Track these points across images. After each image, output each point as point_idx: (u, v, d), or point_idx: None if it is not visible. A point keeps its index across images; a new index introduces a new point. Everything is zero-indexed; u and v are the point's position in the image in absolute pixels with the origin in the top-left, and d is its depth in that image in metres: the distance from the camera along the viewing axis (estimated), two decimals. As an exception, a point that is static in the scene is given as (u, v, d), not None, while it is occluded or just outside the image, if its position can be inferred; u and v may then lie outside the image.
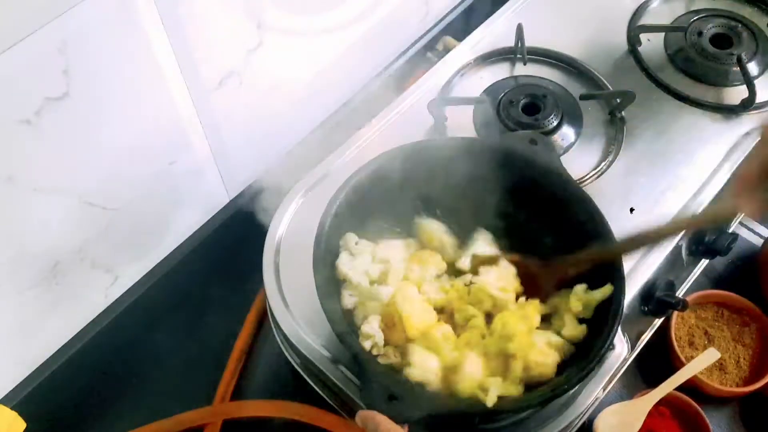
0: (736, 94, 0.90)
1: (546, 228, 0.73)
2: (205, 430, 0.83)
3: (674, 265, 0.82)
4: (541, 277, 0.69)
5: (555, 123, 0.86)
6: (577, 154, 0.86)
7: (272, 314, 0.75)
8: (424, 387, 0.62)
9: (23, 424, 0.71)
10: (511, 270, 0.70)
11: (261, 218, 0.81)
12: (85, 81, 0.64)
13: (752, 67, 0.91)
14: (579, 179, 0.82)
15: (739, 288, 0.94)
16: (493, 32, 0.98)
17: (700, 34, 0.95)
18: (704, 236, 0.84)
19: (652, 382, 0.86)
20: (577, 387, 0.69)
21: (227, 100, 0.81)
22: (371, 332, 0.64)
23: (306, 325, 0.73)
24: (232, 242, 0.89)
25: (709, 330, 0.93)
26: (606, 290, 0.65)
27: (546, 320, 0.68)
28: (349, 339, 0.61)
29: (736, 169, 0.62)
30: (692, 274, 0.88)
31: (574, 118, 0.88)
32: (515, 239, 0.74)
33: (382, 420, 0.55)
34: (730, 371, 0.90)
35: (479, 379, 0.62)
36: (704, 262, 0.89)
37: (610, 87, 0.91)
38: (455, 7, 1.10)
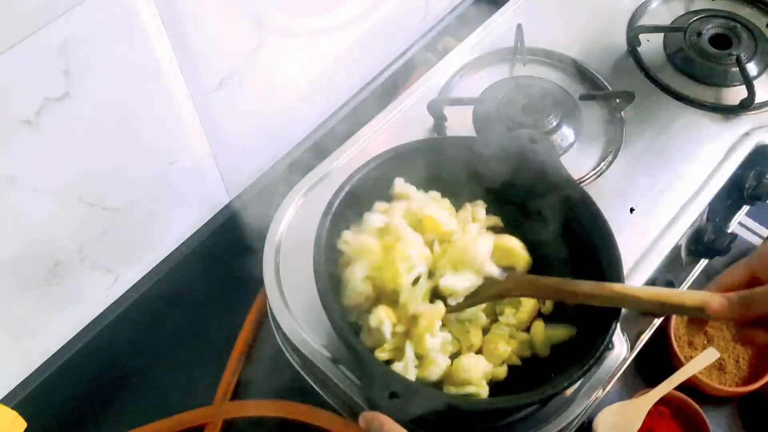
0: (736, 94, 0.90)
1: (545, 228, 0.73)
2: (205, 430, 0.83)
3: (673, 264, 0.82)
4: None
5: (554, 123, 0.86)
6: (576, 154, 0.86)
7: (272, 314, 0.75)
8: (424, 384, 0.62)
9: (24, 424, 0.71)
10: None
11: (261, 218, 0.81)
12: (85, 81, 0.64)
13: (751, 68, 0.91)
14: (579, 179, 0.82)
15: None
16: (493, 33, 0.98)
17: (699, 34, 0.95)
18: (703, 236, 0.84)
19: (652, 382, 0.86)
20: (576, 385, 0.69)
21: (227, 101, 0.81)
22: (380, 320, 0.64)
23: (306, 325, 0.73)
24: (232, 242, 0.89)
25: (708, 329, 0.93)
26: (569, 332, 0.66)
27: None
28: (348, 336, 0.61)
29: (719, 276, 0.61)
30: (692, 273, 0.88)
31: (574, 119, 0.88)
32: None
33: (386, 421, 0.55)
34: (730, 371, 0.90)
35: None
36: (703, 262, 0.89)
37: (609, 87, 0.91)
38: (455, 8, 1.10)
